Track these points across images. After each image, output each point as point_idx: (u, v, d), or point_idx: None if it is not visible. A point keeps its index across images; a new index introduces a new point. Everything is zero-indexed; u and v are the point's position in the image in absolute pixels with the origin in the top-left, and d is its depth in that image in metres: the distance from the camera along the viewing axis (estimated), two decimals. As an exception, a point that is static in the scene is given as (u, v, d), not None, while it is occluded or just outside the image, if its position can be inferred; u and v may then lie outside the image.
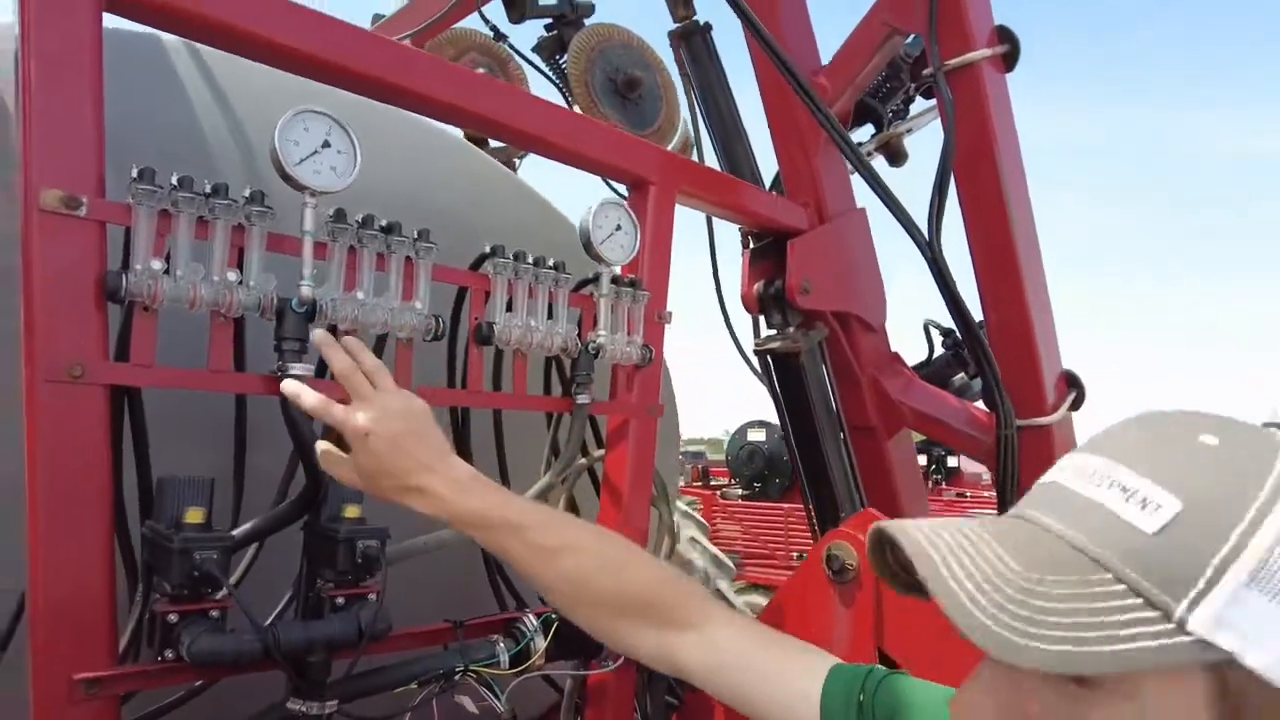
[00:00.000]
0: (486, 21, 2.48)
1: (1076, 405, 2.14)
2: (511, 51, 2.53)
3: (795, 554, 7.23)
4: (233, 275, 1.04)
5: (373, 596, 1.13)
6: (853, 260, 2.06)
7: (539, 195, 2.01)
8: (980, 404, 2.23)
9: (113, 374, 0.97)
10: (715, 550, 5.11)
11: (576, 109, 2.14)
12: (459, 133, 1.92)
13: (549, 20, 2.43)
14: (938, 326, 2.55)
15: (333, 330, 1.15)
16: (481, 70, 2.56)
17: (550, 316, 1.39)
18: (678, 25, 2.16)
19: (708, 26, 2.16)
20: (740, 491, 8.78)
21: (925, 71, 2.03)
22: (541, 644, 1.30)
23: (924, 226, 1.88)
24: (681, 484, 9.63)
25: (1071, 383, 2.15)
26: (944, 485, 9.35)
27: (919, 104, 2.35)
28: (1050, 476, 0.60)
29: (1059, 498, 0.58)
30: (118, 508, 1.04)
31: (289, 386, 1.03)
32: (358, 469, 1.01)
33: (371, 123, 1.42)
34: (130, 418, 1.05)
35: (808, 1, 2.06)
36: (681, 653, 0.96)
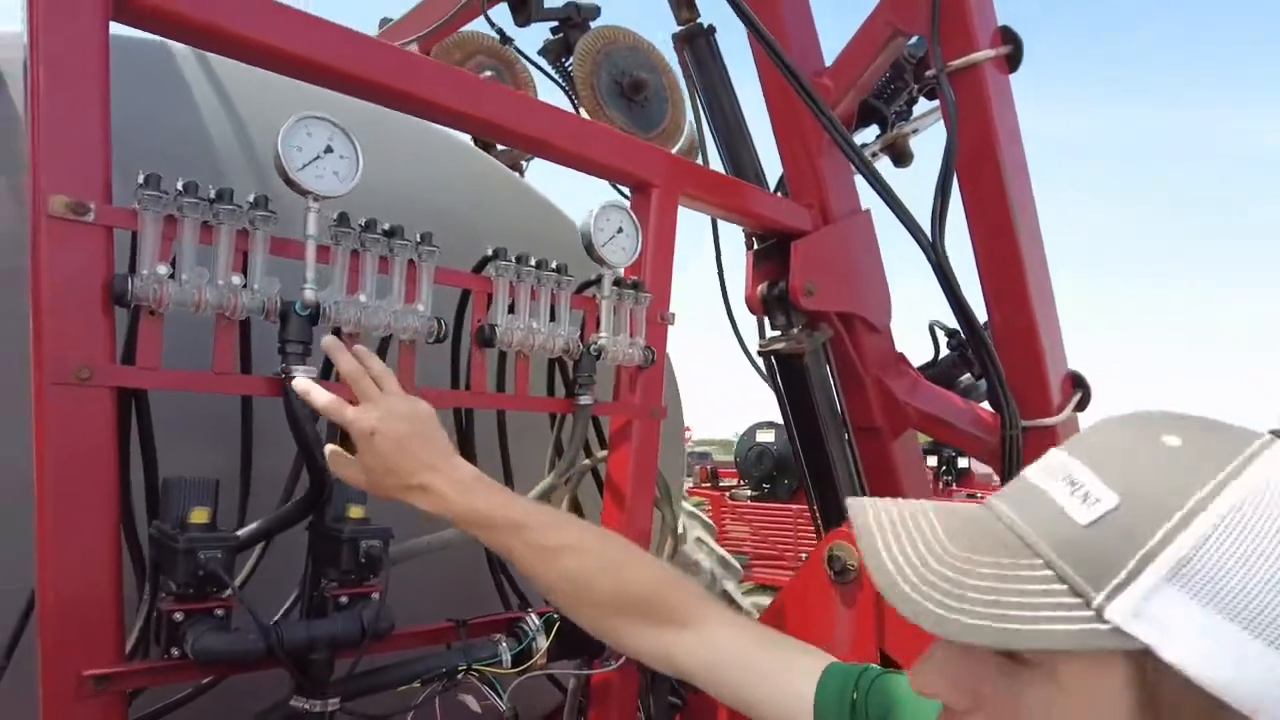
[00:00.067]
0: (493, 25, 2.49)
1: (1082, 406, 2.13)
2: (518, 54, 2.55)
3: (804, 555, 7.20)
4: (237, 279, 1.05)
5: (376, 596, 1.14)
6: (857, 261, 2.06)
7: (543, 197, 2.02)
8: (986, 405, 2.23)
9: (119, 376, 0.99)
10: (722, 551, 5.10)
11: (583, 112, 2.15)
12: (466, 136, 1.93)
13: (555, 23, 2.44)
14: (943, 327, 2.55)
15: (336, 333, 1.17)
16: (489, 73, 2.58)
17: (552, 318, 1.40)
18: (681, 28, 2.17)
19: (711, 29, 2.16)
20: (749, 493, 8.77)
21: (928, 73, 2.03)
22: (543, 643, 1.31)
23: (927, 227, 1.88)
24: (690, 485, 9.63)
25: (1077, 383, 2.14)
26: (954, 486, 9.31)
27: (922, 105, 2.35)
28: (1024, 470, 0.62)
29: (1020, 488, 0.60)
30: (126, 508, 1.06)
31: (300, 384, 1.06)
32: (364, 468, 1.04)
33: (378, 126, 1.44)
34: (137, 419, 1.06)
35: (811, 2, 2.07)
36: (681, 652, 0.97)
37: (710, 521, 5.74)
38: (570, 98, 2.36)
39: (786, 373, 2.08)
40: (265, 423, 1.22)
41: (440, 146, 1.78)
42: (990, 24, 2.01)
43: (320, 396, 1.04)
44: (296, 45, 1.14)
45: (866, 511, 0.63)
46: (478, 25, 2.54)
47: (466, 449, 1.43)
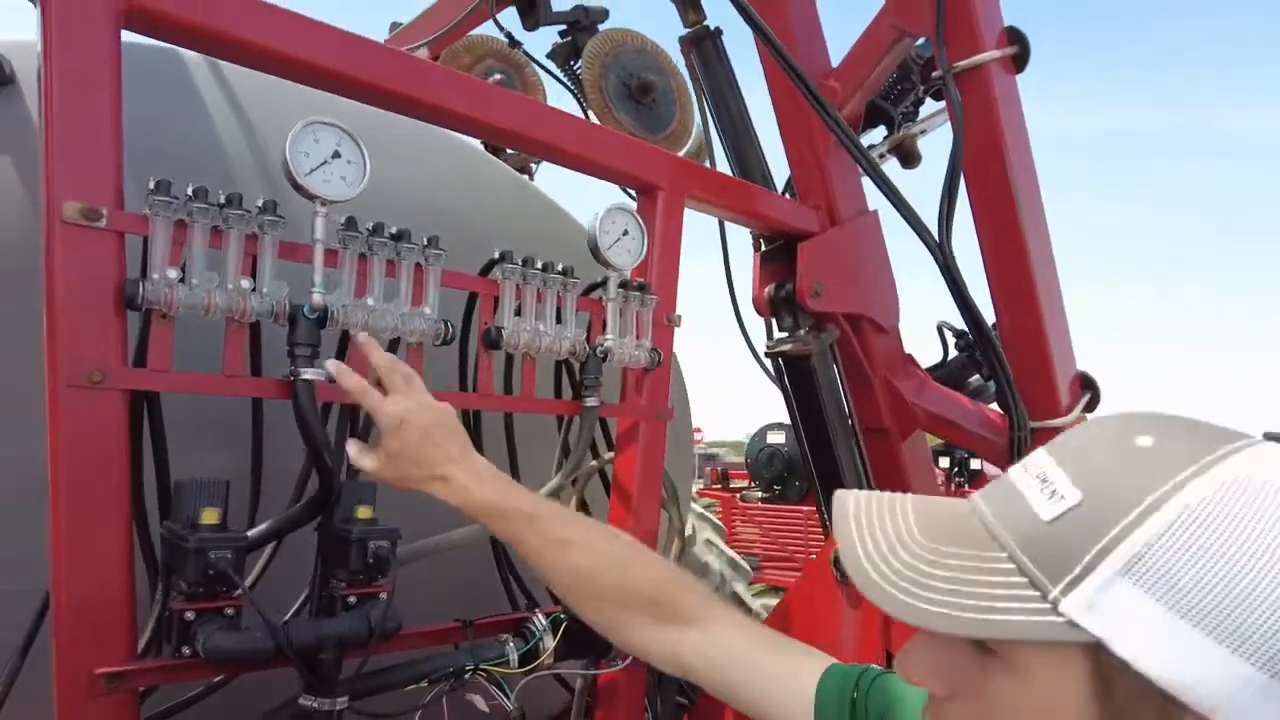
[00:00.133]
0: (501, 29, 2.51)
1: (1092, 407, 2.13)
2: (527, 58, 2.57)
3: (814, 557, 7.19)
4: (246, 283, 1.07)
5: (384, 596, 1.16)
6: (864, 262, 2.06)
7: (551, 200, 2.03)
8: (995, 406, 2.23)
9: (131, 379, 1.01)
10: (731, 553, 5.11)
11: (591, 114, 2.16)
12: (475, 140, 1.95)
13: (563, 27, 2.46)
14: (951, 328, 2.54)
15: (344, 335, 1.18)
16: (499, 76, 2.60)
17: (559, 321, 1.41)
18: (688, 30, 2.17)
19: (718, 31, 2.17)
20: (760, 494, 8.76)
21: (934, 74, 2.03)
22: (550, 643, 1.32)
23: (935, 228, 1.88)
24: (701, 486, 9.63)
25: (1086, 384, 2.14)
26: (967, 487, 9.27)
27: (929, 106, 2.34)
28: (1011, 468, 0.64)
29: (1000, 485, 0.62)
30: (139, 508, 1.08)
31: (331, 366, 1.10)
32: (388, 454, 1.07)
33: (386, 130, 1.46)
34: (149, 421, 1.08)
35: (819, 4, 2.07)
36: (687, 651, 0.98)
37: (719, 523, 5.74)
38: (579, 100, 2.37)
39: (794, 374, 2.08)
40: (277, 424, 1.24)
41: (448, 150, 1.79)
42: (996, 25, 2.01)
43: (351, 379, 1.08)
44: (304, 51, 1.15)
45: (847, 504, 0.66)
46: (487, 29, 2.56)
47: (475, 449, 1.44)
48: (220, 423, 1.25)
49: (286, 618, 1.19)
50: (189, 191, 1.03)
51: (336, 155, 1.12)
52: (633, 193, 1.71)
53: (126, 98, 1.00)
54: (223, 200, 1.05)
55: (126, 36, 1.02)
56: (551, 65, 2.49)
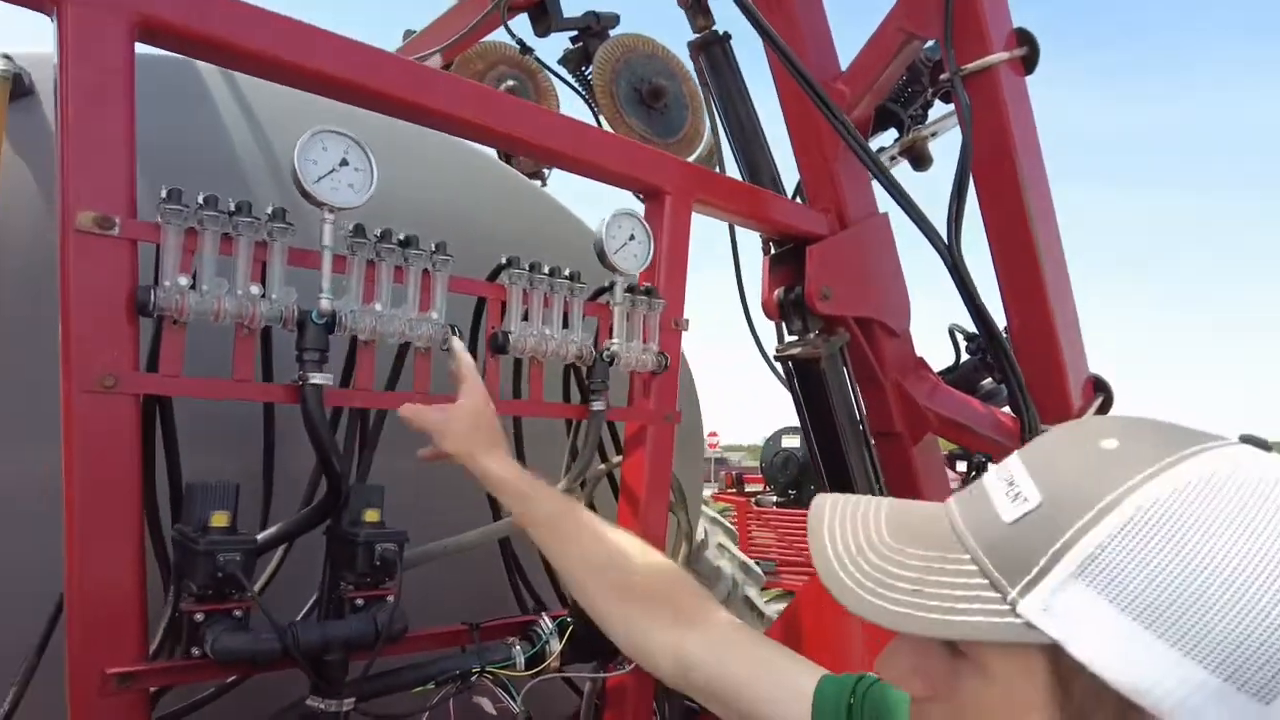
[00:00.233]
0: (513, 35, 2.53)
1: (1104, 409, 2.11)
2: (539, 64, 2.58)
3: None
4: (255, 289, 1.09)
5: (391, 598, 1.17)
6: (874, 265, 2.06)
7: (561, 205, 2.04)
8: (1008, 409, 2.21)
9: (143, 384, 1.03)
10: (744, 557, 5.10)
11: (603, 120, 2.17)
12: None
13: (574, 33, 2.47)
14: (963, 331, 2.53)
15: (354, 341, 1.20)
16: (511, 83, 2.62)
17: (565, 325, 1.42)
18: (697, 35, 2.18)
19: (727, 36, 2.18)
20: (775, 499, 8.74)
21: (943, 76, 2.03)
22: (557, 646, 1.33)
23: (944, 231, 1.87)
24: (715, 491, 9.61)
25: (1099, 387, 2.12)
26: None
27: (939, 108, 2.34)
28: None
29: (973, 488, 0.63)
30: (152, 511, 1.10)
31: (456, 343, 1.25)
32: (456, 414, 1.18)
33: (397, 136, 1.47)
34: (161, 425, 1.10)
35: (828, 7, 2.07)
36: (689, 647, 1.00)
37: (732, 527, 5.73)
38: (590, 106, 2.38)
39: (804, 377, 2.08)
40: (290, 427, 1.25)
41: (458, 156, 1.81)
42: (1005, 26, 2.00)
43: (463, 356, 1.24)
44: (313, 61, 1.17)
45: (823, 508, 0.68)
46: (499, 36, 2.57)
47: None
48: (234, 426, 1.27)
49: (299, 619, 1.21)
50: (199, 199, 1.05)
51: (344, 163, 1.13)
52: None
53: (142, 107, 1.03)
54: (232, 208, 1.07)
55: (140, 48, 1.05)
56: (563, 71, 2.50)
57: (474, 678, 1.25)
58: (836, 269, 1.94)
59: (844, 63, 2.11)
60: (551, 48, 2.52)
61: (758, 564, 5.53)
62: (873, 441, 2.13)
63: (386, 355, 1.28)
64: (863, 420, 2.10)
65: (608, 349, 1.46)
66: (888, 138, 2.47)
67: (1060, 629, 0.51)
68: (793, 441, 8.49)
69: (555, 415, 1.57)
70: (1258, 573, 0.47)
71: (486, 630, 1.32)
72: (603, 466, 1.66)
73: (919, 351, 2.20)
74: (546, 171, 2.83)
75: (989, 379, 2.57)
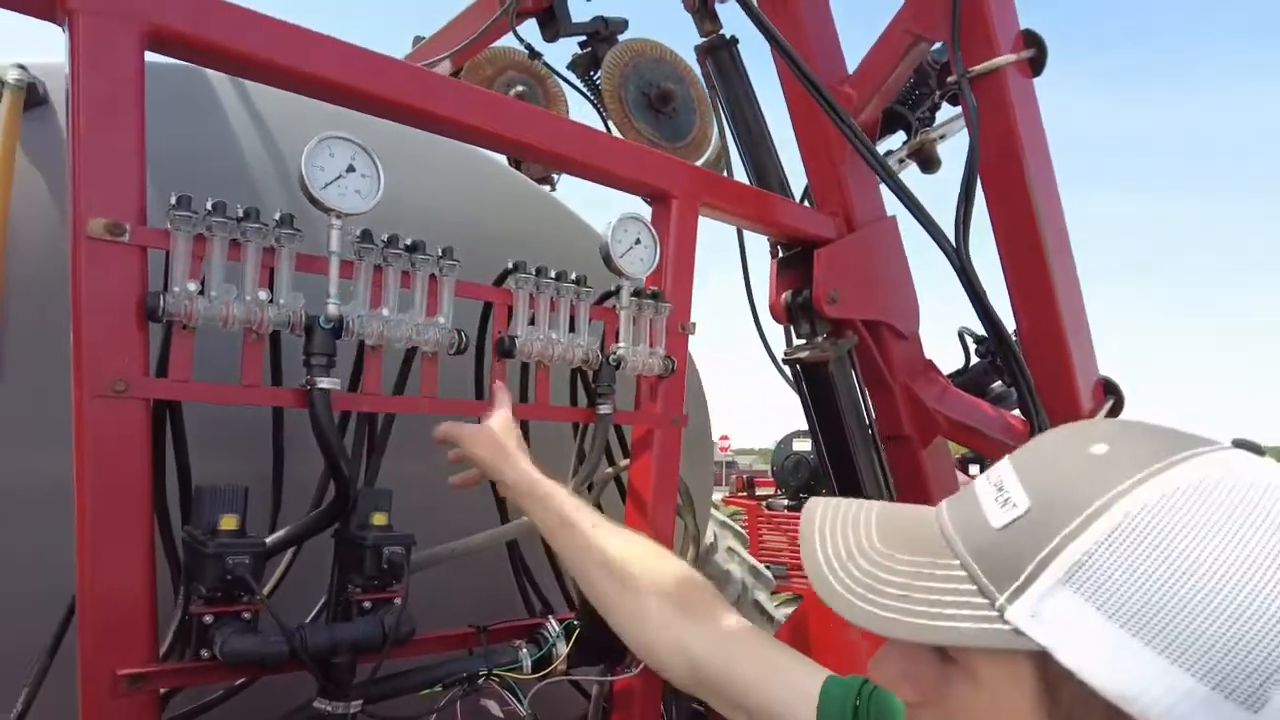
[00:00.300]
0: (521, 41, 2.54)
1: (1115, 412, 2.10)
2: (548, 69, 2.60)
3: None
4: (263, 294, 1.10)
5: (398, 601, 1.18)
6: (882, 268, 2.05)
7: (568, 209, 2.05)
8: (1018, 412, 2.20)
9: (153, 389, 1.04)
10: (753, 561, 5.09)
11: (611, 124, 2.18)
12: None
13: (583, 38, 2.48)
14: (972, 334, 2.52)
15: (361, 345, 1.21)
16: (521, 88, 2.63)
17: (572, 329, 1.43)
18: (704, 40, 2.19)
19: (734, 40, 2.18)
20: (786, 502, 8.72)
21: (950, 78, 2.03)
22: (564, 649, 1.33)
23: (952, 234, 1.87)
24: (726, 494, 9.59)
25: (1109, 389, 2.11)
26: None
27: (947, 110, 2.33)
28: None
29: (965, 493, 0.62)
30: (163, 514, 1.11)
31: (499, 391, 1.34)
32: (486, 428, 1.26)
33: (406, 141, 1.48)
34: (171, 428, 1.11)
35: (834, 9, 2.07)
36: (698, 645, 1.01)
37: (742, 531, 5.72)
38: (599, 110, 2.39)
39: (812, 381, 2.07)
40: (297, 430, 1.26)
41: (466, 161, 1.82)
42: (1012, 28, 1.99)
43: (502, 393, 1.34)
44: (321, 68, 1.18)
45: (815, 512, 0.68)
46: (508, 41, 2.59)
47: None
48: (243, 430, 1.28)
49: (308, 621, 1.22)
50: (208, 206, 1.06)
51: (351, 169, 1.14)
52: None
53: (152, 114, 1.04)
54: (240, 214, 1.08)
55: (150, 57, 1.06)
56: (572, 76, 2.51)
57: (481, 680, 1.25)
58: (844, 272, 1.94)
59: (851, 65, 2.11)
60: (560, 53, 2.54)
61: (769, 568, 5.52)
62: (882, 445, 2.12)
63: (394, 360, 1.29)
64: (872, 424, 2.09)
65: (614, 353, 1.46)
66: (896, 140, 2.46)
67: (1048, 636, 0.51)
68: (804, 445, 8.47)
69: (562, 419, 1.58)
70: (1246, 579, 0.47)
71: (494, 633, 1.33)
72: (610, 470, 1.66)
73: (928, 355, 2.20)
74: (555, 177, 2.84)
75: (999, 382, 2.56)
